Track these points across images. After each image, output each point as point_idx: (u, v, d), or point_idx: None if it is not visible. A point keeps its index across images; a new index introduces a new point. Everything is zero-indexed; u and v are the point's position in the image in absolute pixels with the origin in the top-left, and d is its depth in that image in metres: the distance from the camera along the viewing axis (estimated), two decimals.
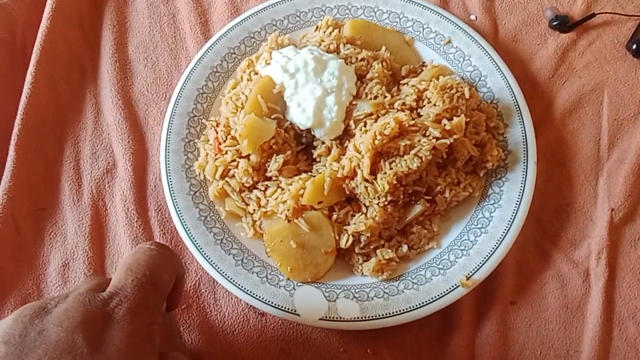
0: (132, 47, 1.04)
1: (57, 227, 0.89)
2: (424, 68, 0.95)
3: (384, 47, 0.95)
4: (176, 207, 0.87)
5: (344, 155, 0.86)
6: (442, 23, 0.99)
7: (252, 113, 0.86)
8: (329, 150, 0.88)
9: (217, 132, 0.90)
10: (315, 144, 0.90)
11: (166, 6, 1.08)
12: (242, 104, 0.90)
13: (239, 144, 0.87)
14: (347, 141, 0.88)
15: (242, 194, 0.88)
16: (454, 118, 0.85)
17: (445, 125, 0.84)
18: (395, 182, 0.82)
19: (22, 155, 0.90)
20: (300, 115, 0.87)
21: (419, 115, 0.88)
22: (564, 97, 0.98)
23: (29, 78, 0.95)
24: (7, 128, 0.93)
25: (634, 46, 1.00)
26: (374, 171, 0.83)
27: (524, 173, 0.87)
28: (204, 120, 0.94)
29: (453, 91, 0.87)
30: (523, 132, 0.90)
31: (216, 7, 1.08)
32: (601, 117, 0.96)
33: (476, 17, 1.05)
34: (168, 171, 0.89)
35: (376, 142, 0.81)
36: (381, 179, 0.82)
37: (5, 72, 0.97)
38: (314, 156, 0.89)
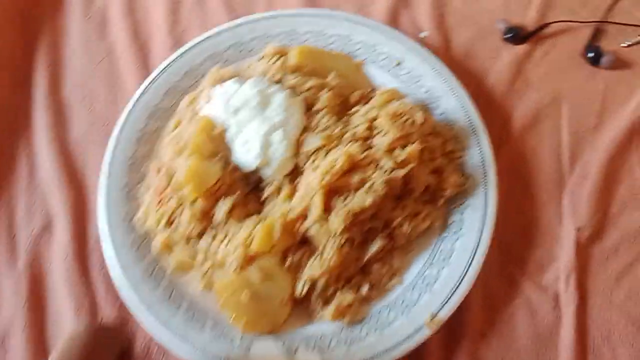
0: (67, 88, 0.98)
1: None
2: (374, 94, 0.91)
3: (332, 74, 0.90)
4: (119, 264, 0.81)
5: (295, 194, 0.82)
6: (391, 43, 0.95)
7: (194, 155, 0.81)
8: (279, 189, 0.83)
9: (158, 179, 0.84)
10: (264, 184, 0.84)
11: (103, 42, 1.02)
12: (183, 146, 0.84)
13: (182, 190, 0.81)
14: (299, 178, 0.83)
15: (189, 244, 0.83)
16: (408, 146, 0.81)
17: (398, 155, 0.80)
18: (350, 220, 0.77)
19: None
20: (246, 155, 0.82)
21: (371, 147, 0.83)
22: (521, 111, 0.94)
23: None
24: None
25: (590, 54, 0.97)
26: (326, 210, 0.78)
27: (485, 197, 0.83)
28: (145, 166, 0.88)
29: (405, 117, 0.83)
30: (481, 153, 0.86)
31: (155, 40, 1.02)
32: (561, 131, 0.92)
33: (427, 34, 1.01)
34: (109, 225, 0.83)
35: (326, 179, 0.77)
36: (335, 218, 0.77)
37: None
38: (263, 197, 0.84)
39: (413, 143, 0.81)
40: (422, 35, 1.01)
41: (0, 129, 0.93)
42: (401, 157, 0.79)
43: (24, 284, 0.83)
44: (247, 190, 0.84)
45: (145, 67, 0.99)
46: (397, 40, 0.95)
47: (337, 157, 0.78)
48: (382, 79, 0.94)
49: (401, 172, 0.78)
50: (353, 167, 0.79)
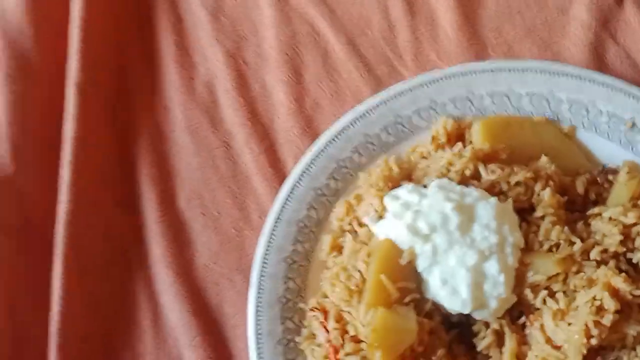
0: (182, 202, 0.77)
1: None
2: (609, 177, 0.64)
3: (544, 157, 0.64)
4: None
5: (525, 345, 0.57)
6: (615, 97, 0.68)
7: (380, 307, 0.58)
8: (500, 336, 0.59)
9: (327, 331, 0.62)
10: (474, 327, 0.60)
11: (215, 133, 0.81)
12: (357, 286, 0.62)
13: (364, 350, 0.59)
14: (525, 318, 0.58)
15: None
16: None
17: None
18: None
19: None
20: (450, 299, 0.59)
21: (632, 265, 0.57)
22: None
23: (57, 285, 0.70)
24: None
25: None
26: None
27: None
28: (301, 305, 0.67)
29: None
30: None
31: (280, 123, 0.80)
32: None
33: None
34: None
35: (592, 340, 0.51)
36: None
37: (20, 274, 0.73)
38: (478, 348, 0.60)
39: None
40: None
41: (112, 276, 0.75)
42: None
43: None
44: (451, 338, 0.61)
45: (274, 161, 0.78)
46: (623, 92, 0.68)
47: (598, 299, 0.52)
48: (608, 150, 0.67)
49: None
50: (623, 309, 0.53)
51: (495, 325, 0.59)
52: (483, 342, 0.59)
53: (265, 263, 0.69)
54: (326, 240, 0.69)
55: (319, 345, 0.64)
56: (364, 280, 0.61)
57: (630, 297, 0.53)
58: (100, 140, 0.81)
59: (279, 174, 0.76)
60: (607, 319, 0.52)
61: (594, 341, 0.52)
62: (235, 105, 0.82)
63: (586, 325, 0.52)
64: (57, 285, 0.70)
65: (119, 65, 0.85)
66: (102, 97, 0.82)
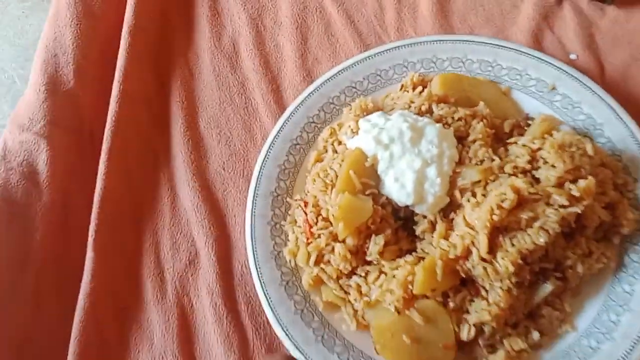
0: (203, 123, 0.98)
1: (142, 330, 0.82)
2: (529, 121, 0.85)
3: (482, 103, 0.85)
4: (269, 300, 0.79)
5: (451, 230, 0.77)
6: (541, 67, 0.89)
7: (346, 192, 0.77)
8: (433, 225, 0.78)
9: (306, 214, 0.82)
10: (415, 218, 0.80)
11: (234, 75, 1.02)
12: (331, 180, 0.81)
13: (332, 227, 0.79)
14: (453, 213, 0.78)
15: (340, 282, 0.79)
16: (579, 180, 0.74)
17: (570, 190, 0.73)
18: (519, 261, 0.71)
19: (101, 254, 0.85)
20: (399, 192, 0.78)
21: (535, 179, 0.77)
22: None
23: (101, 169, 0.90)
24: (81, 227, 0.87)
25: None
26: (492, 249, 0.72)
27: None
28: (289, 200, 0.86)
29: (573, 149, 0.76)
30: None
31: (287, 72, 1.01)
32: None
33: (577, 56, 0.94)
34: (256, 260, 0.81)
35: (494, 217, 0.71)
36: (502, 259, 0.71)
37: (75, 164, 0.93)
38: (416, 233, 0.80)
39: (585, 177, 0.74)
40: (571, 57, 0.94)
41: (146, 165, 0.94)
42: (575, 192, 0.73)
43: (173, 319, 0.82)
44: (397, 226, 0.80)
45: (278, 99, 0.98)
46: (548, 64, 0.89)
47: (504, 192, 0.72)
48: (533, 105, 0.88)
49: (578, 209, 0.72)
50: (520, 202, 0.73)
51: (430, 217, 0.79)
52: (420, 227, 0.78)
53: (263, 167, 0.88)
54: (312, 155, 0.89)
55: (299, 226, 0.83)
56: (337, 177, 0.81)
57: (526, 194, 0.73)
58: (143, 72, 1.01)
59: (281, 109, 0.96)
60: (507, 203, 0.71)
61: (496, 218, 0.71)
62: (252, 56, 1.03)
63: (491, 207, 0.71)
64: (101, 170, 0.90)
65: (163, 17, 1.07)
66: (148, 40, 1.04)
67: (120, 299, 0.84)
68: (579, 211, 0.72)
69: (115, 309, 0.84)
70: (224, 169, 0.94)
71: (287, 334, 0.76)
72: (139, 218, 0.90)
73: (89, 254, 0.84)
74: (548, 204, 0.73)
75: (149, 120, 0.98)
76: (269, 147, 0.89)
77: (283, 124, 0.91)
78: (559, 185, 0.74)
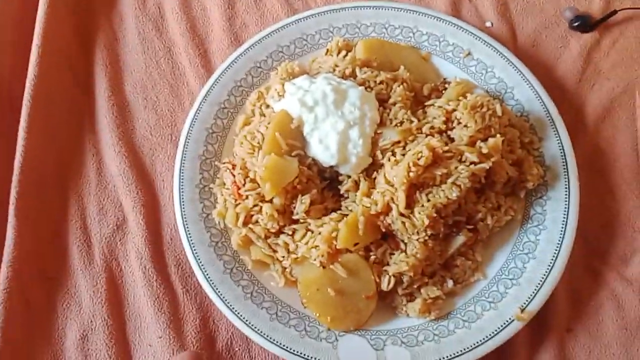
0: (128, 87, 0.96)
1: (70, 295, 0.82)
2: (446, 85, 0.89)
3: (402, 67, 0.89)
4: (198, 261, 0.80)
5: (373, 188, 0.80)
6: (459, 34, 0.93)
7: (272, 153, 0.79)
8: (357, 184, 0.82)
9: (234, 176, 0.83)
10: (340, 178, 0.83)
11: (160, 39, 1.01)
12: (258, 143, 0.83)
13: (260, 188, 0.80)
14: (375, 172, 0.82)
15: (269, 240, 0.82)
16: (489, 139, 0.80)
17: (481, 148, 0.79)
18: (434, 214, 0.76)
19: (23, 220, 0.83)
20: (323, 153, 0.81)
21: (450, 139, 0.82)
22: (594, 102, 0.92)
23: (21, 133, 0.87)
24: (2, 191, 0.85)
25: None
26: (409, 204, 0.76)
27: (567, 189, 0.82)
28: (217, 163, 0.87)
29: (484, 109, 0.81)
30: (560, 144, 0.85)
31: (214, 36, 1.00)
32: (636, 120, 0.91)
33: (492, 24, 0.99)
34: (185, 222, 0.82)
35: (411, 174, 0.75)
36: (419, 213, 0.76)
37: None
38: (341, 192, 0.83)
39: (494, 135, 0.80)
40: (487, 25, 0.99)
41: (70, 128, 0.92)
42: (484, 150, 0.78)
43: (102, 284, 0.82)
44: (323, 187, 0.83)
45: (206, 63, 0.98)
46: (465, 31, 0.93)
47: (420, 151, 0.76)
48: (450, 70, 0.92)
49: (487, 165, 0.77)
50: (435, 160, 0.77)
51: (354, 177, 0.82)
52: (345, 186, 0.82)
53: (190, 131, 0.88)
54: (240, 119, 0.90)
55: (227, 189, 0.85)
56: (264, 139, 0.83)
57: (441, 152, 0.77)
58: (65, 34, 0.98)
59: (209, 73, 0.96)
60: (422, 161, 0.75)
61: (412, 175, 0.75)
62: (178, 20, 1.01)
63: (408, 165, 0.76)
64: (22, 135, 0.87)
65: None
66: (68, 2, 1.01)
67: (45, 267, 0.83)
68: (488, 167, 0.77)
69: (41, 277, 0.82)
70: (151, 134, 0.93)
71: (216, 293, 0.78)
72: (63, 184, 0.88)
73: (11, 219, 0.82)
74: (461, 161, 0.78)
75: (72, 83, 0.95)
76: (197, 111, 0.90)
77: (210, 87, 0.91)
78: (471, 143, 0.80)
